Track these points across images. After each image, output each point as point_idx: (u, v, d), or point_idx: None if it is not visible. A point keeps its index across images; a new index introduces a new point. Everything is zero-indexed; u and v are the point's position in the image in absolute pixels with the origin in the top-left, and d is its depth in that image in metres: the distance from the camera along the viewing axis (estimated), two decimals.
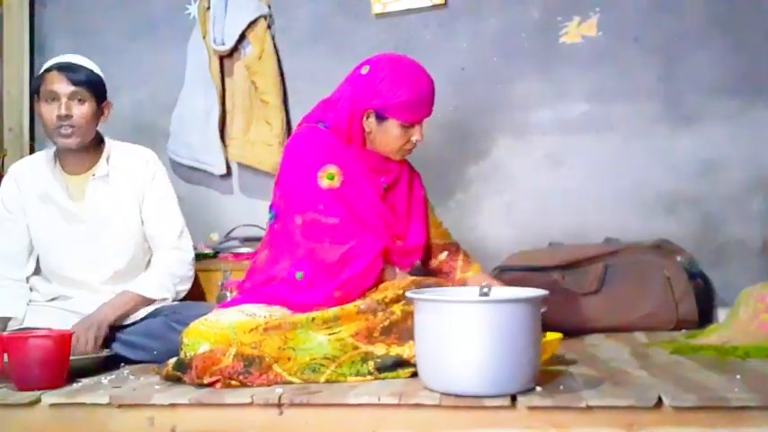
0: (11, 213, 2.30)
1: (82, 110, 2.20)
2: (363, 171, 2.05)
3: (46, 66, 2.27)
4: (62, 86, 2.19)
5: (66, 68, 2.22)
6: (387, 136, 2.03)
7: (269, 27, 3.09)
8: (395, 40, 3.08)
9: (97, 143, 2.31)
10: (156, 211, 2.32)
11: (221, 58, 3.12)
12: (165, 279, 2.27)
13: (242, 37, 3.06)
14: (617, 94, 2.91)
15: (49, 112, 2.19)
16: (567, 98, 2.95)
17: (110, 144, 2.34)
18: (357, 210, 2.01)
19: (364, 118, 2.03)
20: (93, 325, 2.06)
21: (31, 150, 3.23)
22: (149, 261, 2.36)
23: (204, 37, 3.13)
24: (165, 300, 2.25)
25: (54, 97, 2.19)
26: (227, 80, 3.13)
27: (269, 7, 3.11)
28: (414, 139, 2.04)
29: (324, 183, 1.98)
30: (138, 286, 2.22)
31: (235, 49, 3.08)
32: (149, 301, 2.22)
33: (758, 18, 2.80)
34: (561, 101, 2.96)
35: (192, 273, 2.36)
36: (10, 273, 2.29)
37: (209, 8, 3.12)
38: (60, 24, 3.40)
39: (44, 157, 2.32)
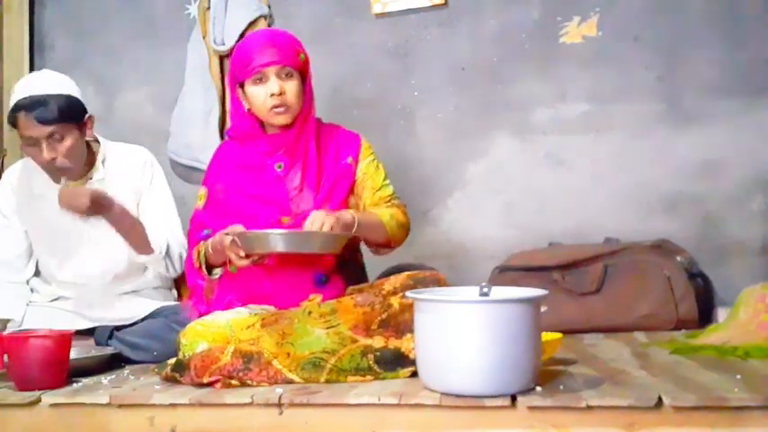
0: (7, 219, 2.29)
1: (64, 146, 2.10)
2: (252, 164, 2.09)
3: (12, 101, 2.10)
4: (36, 131, 2.05)
5: (32, 108, 2.04)
6: (254, 102, 2.06)
7: (269, 27, 3.09)
8: (395, 40, 3.09)
9: (90, 148, 2.27)
10: (153, 215, 2.29)
11: (221, 58, 3.12)
12: (162, 241, 2.22)
13: (242, 37, 3.06)
14: (617, 94, 2.91)
15: (33, 154, 2.12)
16: (566, 98, 2.95)
17: (105, 146, 2.31)
18: (230, 210, 2.08)
19: (242, 101, 2.09)
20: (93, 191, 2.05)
21: None
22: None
23: (204, 37, 3.13)
24: (151, 253, 2.19)
25: (33, 143, 2.08)
26: (226, 80, 3.13)
27: (269, 7, 3.11)
28: (269, 92, 2.02)
29: (199, 204, 2.15)
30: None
31: None
32: (144, 242, 2.17)
33: (758, 18, 2.80)
34: (561, 101, 2.96)
35: (181, 264, 2.28)
36: (10, 277, 2.29)
37: (209, 8, 3.12)
38: (60, 24, 3.40)
39: None
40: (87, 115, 2.20)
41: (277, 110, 2.03)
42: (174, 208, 2.36)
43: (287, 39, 2.08)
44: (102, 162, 2.28)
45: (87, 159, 2.26)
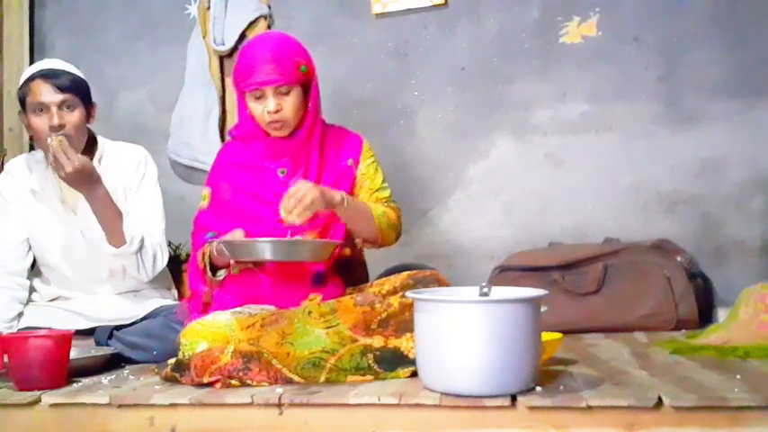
0: (10, 206, 2.29)
1: (73, 117, 2.15)
2: (255, 166, 2.10)
3: (27, 74, 2.19)
4: (50, 96, 2.12)
5: (49, 75, 2.14)
6: (254, 112, 2.06)
7: (269, 27, 3.09)
8: (395, 40, 3.09)
9: (89, 144, 2.27)
10: (136, 214, 2.25)
11: (221, 58, 3.12)
12: (137, 235, 2.17)
13: (242, 37, 3.06)
14: (617, 94, 2.91)
15: (40, 123, 2.13)
16: (566, 98, 2.96)
17: (102, 144, 2.32)
18: (234, 209, 2.08)
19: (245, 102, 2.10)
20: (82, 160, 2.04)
21: (31, 150, 3.24)
22: None
23: (204, 37, 3.13)
24: (123, 244, 2.14)
25: (43, 108, 2.12)
26: (227, 80, 3.13)
27: (269, 7, 3.11)
28: (266, 110, 2.01)
29: (203, 204, 2.15)
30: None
31: (235, 49, 3.07)
32: (118, 232, 2.13)
33: (758, 18, 2.80)
34: (561, 101, 2.96)
35: (153, 267, 2.24)
36: (11, 264, 2.27)
37: (209, 8, 3.12)
38: (60, 24, 3.40)
39: (39, 157, 2.29)
40: (93, 103, 2.26)
41: (274, 125, 2.04)
42: (160, 211, 2.31)
43: (288, 51, 2.03)
44: (99, 160, 2.28)
45: (85, 155, 2.24)
